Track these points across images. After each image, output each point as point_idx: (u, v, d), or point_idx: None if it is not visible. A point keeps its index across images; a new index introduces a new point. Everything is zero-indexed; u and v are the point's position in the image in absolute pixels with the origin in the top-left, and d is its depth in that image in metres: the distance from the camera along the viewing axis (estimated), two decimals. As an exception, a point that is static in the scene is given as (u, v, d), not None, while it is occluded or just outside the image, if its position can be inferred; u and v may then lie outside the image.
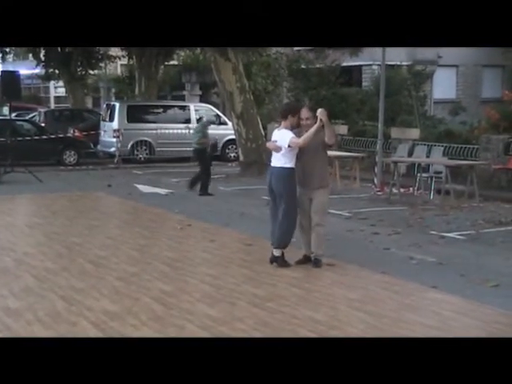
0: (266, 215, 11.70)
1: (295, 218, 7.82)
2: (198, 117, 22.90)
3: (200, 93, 33.50)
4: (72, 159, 21.20)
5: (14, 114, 21.66)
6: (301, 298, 6.68)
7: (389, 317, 6.10)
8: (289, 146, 7.56)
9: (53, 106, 41.02)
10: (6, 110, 31.40)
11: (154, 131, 21.48)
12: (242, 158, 19.07)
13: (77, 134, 23.17)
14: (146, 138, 21.67)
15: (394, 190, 14.29)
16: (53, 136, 21.26)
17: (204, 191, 14.33)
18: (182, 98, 32.49)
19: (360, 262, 8.26)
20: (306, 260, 7.99)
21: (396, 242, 9.62)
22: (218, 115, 23.31)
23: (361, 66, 27.96)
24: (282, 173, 7.69)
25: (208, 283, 7.20)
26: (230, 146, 22.80)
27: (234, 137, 20.31)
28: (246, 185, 16.26)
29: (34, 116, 27.21)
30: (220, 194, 14.55)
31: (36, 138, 20.82)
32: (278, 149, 7.66)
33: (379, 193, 14.75)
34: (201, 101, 30.60)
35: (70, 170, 19.83)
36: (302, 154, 7.68)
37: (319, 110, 7.47)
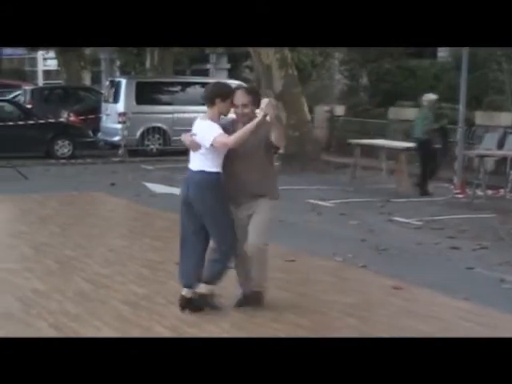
0: (313, 223, 11.85)
1: (232, 240, 7.02)
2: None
3: (228, 66, 33.69)
4: (65, 150, 21.44)
5: (-8, 93, 22.01)
6: (357, 331, 6.68)
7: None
8: (211, 145, 6.85)
9: (41, 82, 41.59)
10: (-19, 87, 32.02)
11: (170, 115, 21.61)
12: (281, 149, 19.04)
13: (72, 118, 23.44)
14: (159, 124, 21.83)
15: (479, 192, 14.17)
16: (41, 121, 21.52)
17: (424, 190, 14.67)
18: (206, 74, 32.69)
19: (434, 284, 8.22)
20: (249, 299, 7.30)
21: (482, 259, 9.56)
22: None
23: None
24: (203, 180, 6.92)
25: (239, 310, 7.22)
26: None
27: (271, 122, 20.32)
28: (286, 184, 16.17)
29: (17, 95, 27.61)
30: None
31: (20, 123, 21.09)
32: (196, 146, 6.93)
33: (459, 195, 14.66)
34: (229, 76, 30.72)
35: (62, 165, 20.07)
36: (234, 155, 6.91)
37: (265, 101, 6.80)
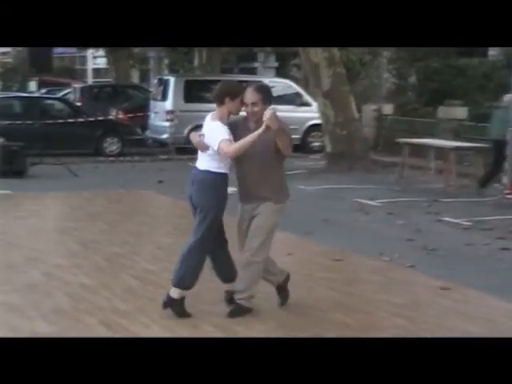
0: (360, 222, 11.80)
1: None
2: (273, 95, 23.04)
3: (276, 65, 33.68)
4: (114, 148, 21.63)
5: (43, 91, 22.28)
6: (405, 330, 6.63)
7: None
8: (219, 145, 6.66)
9: (90, 80, 42.00)
10: (33, 85, 32.42)
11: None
12: (328, 148, 19.06)
13: (120, 116, 23.64)
14: (206, 122, 21.91)
15: (530, 193, 13.99)
16: (90, 119, 21.74)
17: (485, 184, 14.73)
18: (253, 72, 32.71)
19: (484, 286, 8.13)
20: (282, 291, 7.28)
21: (532, 260, 9.45)
22: (298, 93, 23.35)
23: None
24: (207, 179, 6.79)
25: (287, 309, 7.22)
26: (313, 133, 22.82)
27: (318, 121, 20.32)
28: (333, 183, 16.25)
29: (67, 93, 27.91)
30: (300, 195, 14.55)
31: (70, 121, 21.31)
32: (204, 147, 6.78)
33: (509, 196, 14.46)
34: (277, 75, 30.72)
35: (111, 162, 20.24)
36: (242, 155, 6.73)
37: (268, 112, 6.49)
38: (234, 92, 6.75)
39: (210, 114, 6.90)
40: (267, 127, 6.44)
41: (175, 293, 6.87)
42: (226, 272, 7.10)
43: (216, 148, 6.64)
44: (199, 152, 6.92)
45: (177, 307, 6.88)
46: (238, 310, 6.88)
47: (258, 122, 6.62)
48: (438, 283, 8.17)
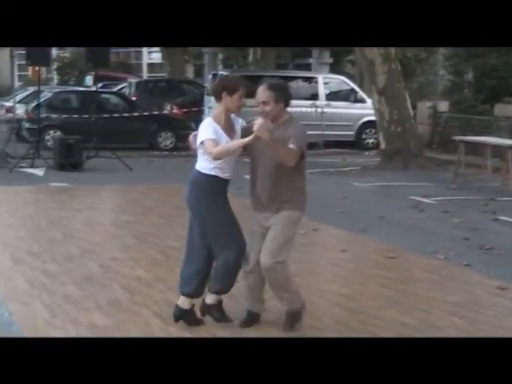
0: (413, 220, 11.72)
1: (235, 248, 6.32)
2: (327, 91, 23.01)
3: (331, 61, 33.54)
4: (168, 142, 21.81)
5: (99, 85, 22.50)
6: (463, 331, 6.58)
7: None
8: (201, 143, 6.23)
9: (146, 75, 42.29)
10: (89, 79, 32.78)
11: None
12: (383, 145, 18.97)
13: (175, 110, 23.78)
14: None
15: None
16: (145, 113, 21.93)
17: None
18: (308, 68, 32.63)
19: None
20: (252, 319, 6.56)
21: None
22: (353, 90, 23.28)
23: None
24: (196, 180, 6.36)
25: (341, 306, 7.21)
26: (367, 130, 22.74)
27: (373, 118, 20.24)
28: (387, 180, 16.17)
29: (123, 88, 28.18)
30: (353, 192, 14.54)
31: (125, 115, 21.54)
32: (193, 143, 6.39)
33: None
34: (331, 71, 30.62)
35: (165, 156, 20.40)
36: (254, 162, 6.31)
37: (258, 122, 5.95)
38: (232, 86, 6.23)
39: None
40: (256, 137, 5.91)
41: (211, 299, 6.51)
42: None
43: (196, 146, 6.27)
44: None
45: (215, 313, 6.54)
46: (297, 318, 6.44)
47: (275, 122, 6.17)
48: (495, 283, 8.09)
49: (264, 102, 6.15)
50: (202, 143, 6.19)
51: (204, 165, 6.28)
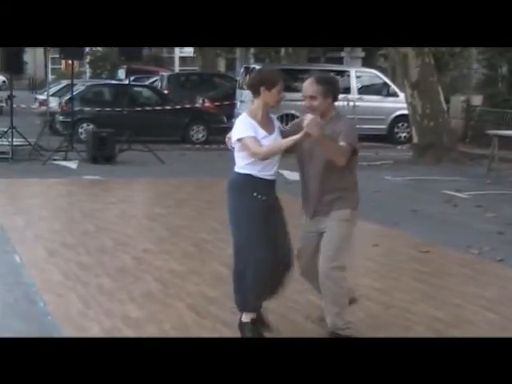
0: (448, 214, 11.65)
1: (260, 263, 5.75)
2: (359, 85, 22.93)
3: (363, 55, 33.47)
4: (200, 136, 21.86)
5: (131, 79, 22.61)
6: (498, 327, 6.54)
7: None
8: (238, 141, 5.81)
9: (177, 69, 42.46)
10: (121, 72, 32.93)
11: (303, 103, 21.59)
12: (415, 139, 18.88)
13: (207, 104, 23.82)
14: (293, 112, 21.91)
15: None
16: (177, 106, 22.00)
17: None
18: (340, 62, 32.59)
19: None
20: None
21: None
22: (385, 84, 23.20)
23: None
24: (230, 181, 5.95)
25: (374, 299, 7.20)
26: (400, 124, 22.67)
27: (405, 112, 20.16)
28: (420, 174, 16.09)
29: (155, 81, 28.28)
30: (386, 185, 14.49)
31: (157, 108, 21.62)
32: (229, 142, 6.01)
33: None
34: (364, 65, 30.53)
35: (197, 150, 20.46)
36: (302, 161, 5.96)
37: (308, 117, 5.58)
38: (271, 80, 5.82)
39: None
40: (306, 134, 5.54)
41: (245, 317, 5.97)
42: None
43: (233, 142, 5.84)
44: None
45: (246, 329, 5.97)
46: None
47: (323, 118, 5.77)
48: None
49: (312, 97, 5.80)
50: (239, 140, 5.78)
51: (238, 162, 5.89)
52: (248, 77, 22.68)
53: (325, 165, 5.78)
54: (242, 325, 5.94)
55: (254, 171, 5.78)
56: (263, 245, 5.76)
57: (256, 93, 5.85)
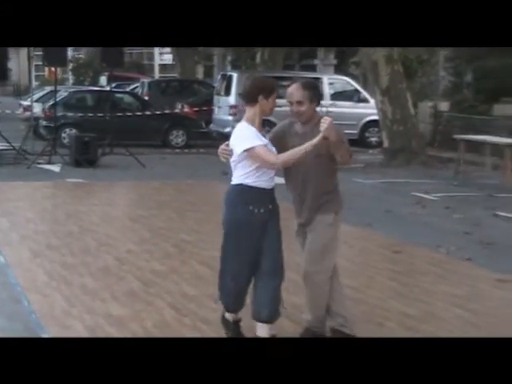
0: (417, 215, 11.68)
1: (233, 270, 5.69)
2: (332, 91, 22.96)
3: (335, 62, 33.51)
4: (180, 140, 21.81)
5: (112, 85, 22.50)
6: (468, 323, 6.55)
7: None
8: (245, 151, 5.41)
9: (157, 75, 42.28)
10: (103, 79, 32.79)
11: (280, 109, 21.50)
12: (386, 143, 18.94)
13: (186, 109, 23.77)
14: (271, 118, 21.93)
15: None
16: (158, 112, 21.92)
17: None
18: (313, 69, 32.60)
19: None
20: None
21: None
22: (357, 90, 23.24)
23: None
24: (226, 194, 5.68)
25: (348, 297, 7.17)
26: (371, 129, 22.71)
27: (376, 117, 20.20)
28: (391, 177, 16.13)
29: (135, 87, 28.17)
30: (358, 188, 14.49)
31: (138, 113, 21.53)
32: (227, 153, 5.58)
33: None
34: (336, 72, 30.57)
35: (177, 153, 20.38)
36: (290, 167, 5.62)
37: (326, 120, 5.38)
38: (269, 88, 5.53)
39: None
40: (324, 138, 5.35)
41: (229, 316, 5.89)
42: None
43: (243, 150, 5.40)
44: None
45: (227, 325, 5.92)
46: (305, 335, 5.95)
47: (307, 124, 5.67)
48: (496, 276, 8.06)
49: (299, 102, 5.62)
50: (247, 151, 5.40)
51: (235, 175, 5.54)
52: (223, 83, 22.68)
53: (319, 169, 5.64)
54: (224, 321, 5.90)
55: (250, 180, 5.46)
56: (243, 265, 5.58)
57: (253, 101, 5.52)
